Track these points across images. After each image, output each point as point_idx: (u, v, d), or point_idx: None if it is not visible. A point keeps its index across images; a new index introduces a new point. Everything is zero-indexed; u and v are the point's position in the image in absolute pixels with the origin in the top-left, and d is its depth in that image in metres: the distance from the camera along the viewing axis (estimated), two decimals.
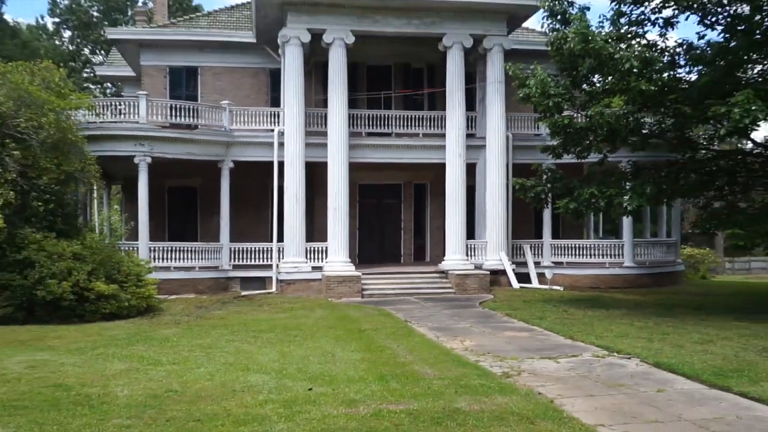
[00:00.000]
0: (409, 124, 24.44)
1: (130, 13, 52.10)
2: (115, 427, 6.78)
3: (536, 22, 24.66)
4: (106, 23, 52.58)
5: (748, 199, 20.76)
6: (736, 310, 17.76)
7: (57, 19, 58.27)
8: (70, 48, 57.04)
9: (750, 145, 20.74)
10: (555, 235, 24.78)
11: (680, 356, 10.66)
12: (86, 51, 57.25)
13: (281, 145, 22.55)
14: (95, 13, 57.01)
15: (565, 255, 24.48)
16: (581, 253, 24.53)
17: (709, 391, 8.53)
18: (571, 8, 18.24)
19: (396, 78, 26.58)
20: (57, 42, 56.45)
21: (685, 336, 12.89)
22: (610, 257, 24.39)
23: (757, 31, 17.46)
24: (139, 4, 52.63)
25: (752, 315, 16.43)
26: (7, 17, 51.76)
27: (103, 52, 52.16)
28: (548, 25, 18.74)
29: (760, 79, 17.72)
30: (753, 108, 14.41)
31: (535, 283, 23.57)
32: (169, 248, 21.85)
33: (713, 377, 9.10)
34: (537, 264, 24.20)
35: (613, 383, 8.91)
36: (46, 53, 42.41)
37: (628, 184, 18.91)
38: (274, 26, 23.19)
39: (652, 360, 10.40)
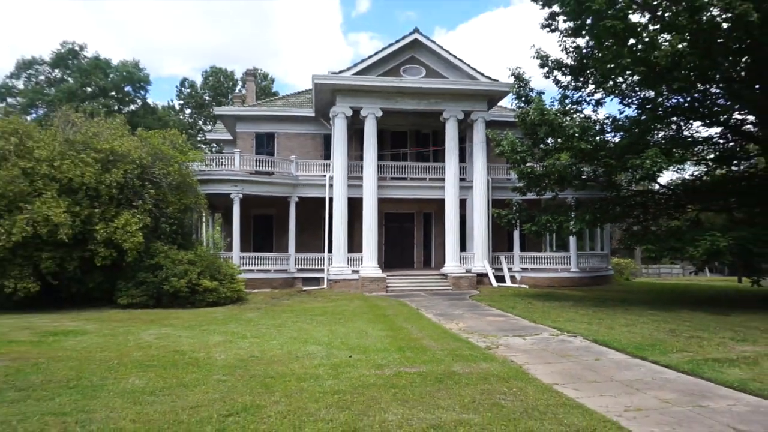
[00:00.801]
0: (420, 171, 24.46)
1: (230, 97, 53.00)
2: (215, 381, 6.76)
3: (508, 102, 24.69)
4: (214, 104, 53.59)
5: (657, 224, 20.62)
6: (650, 302, 17.42)
7: (181, 102, 59.53)
8: (189, 120, 58.13)
9: (657, 186, 20.54)
10: (522, 249, 24.49)
11: (612, 335, 10.45)
12: (200, 122, 58.30)
13: (330, 186, 22.60)
14: (207, 97, 58.10)
15: (529, 263, 24.15)
16: (541, 261, 24.21)
17: (632, 360, 8.34)
18: (531, 93, 18.46)
19: (410, 140, 26.64)
20: (181, 116, 57.55)
21: (614, 320, 12.64)
22: (561, 264, 24.05)
23: (659, 109, 17.55)
24: (236, 91, 53.70)
25: (661, 306, 16.12)
26: (149, 100, 52.97)
27: (210, 123, 53.06)
28: (516, 104, 18.96)
29: (663, 141, 17.67)
30: (658, 160, 14.59)
31: (508, 283, 23.27)
32: (253, 257, 21.89)
33: (635, 350, 8.92)
34: (510, 269, 23.90)
35: (564, 354, 8.74)
36: (173, 124, 43.30)
37: (572, 213, 18.87)
38: (327, 105, 23.47)
39: (591, 338, 10.21)
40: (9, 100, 44.90)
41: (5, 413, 5.41)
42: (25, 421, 5.19)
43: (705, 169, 21.34)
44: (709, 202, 18.93)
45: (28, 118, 40.60)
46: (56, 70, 47.35)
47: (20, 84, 46.48)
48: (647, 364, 8.03)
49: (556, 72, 18.41)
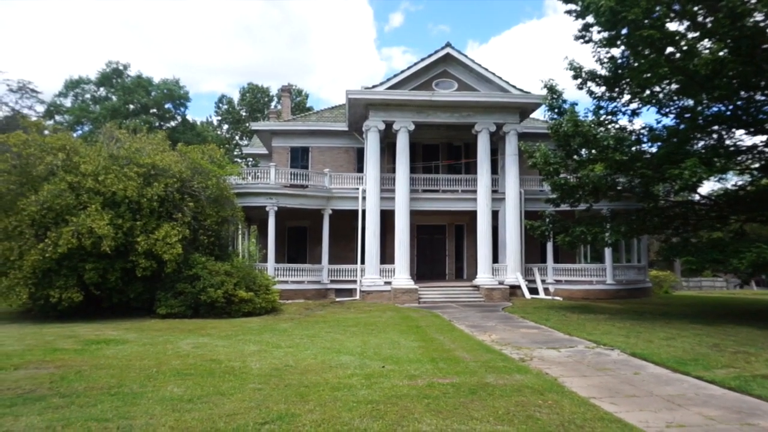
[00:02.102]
0: (452, 184, 24.37)
1: (266, 112, 54.02)
2: (251, 389, 6.81)
3: (540, 114, 24.46)
4: (251, 119, 54.68)
5: (697, 236, 19.93)
6: (691, 316, 16.81)
7: (219, 117, 60.96)
8: (227, 135, 59.41)
9: (697, 197, 19.91)
10: (555, 260, 24.06)
11: (650, 348, 10.11)
12: (236, 137, 59.53)
13: (364, 198, 22.73)
14: (243, 113, 59.35)
15: (563, 275, 23.69)
16: (575, 273, 23.72)
17: (674, 374, 8.04)
18: (564, 104, 18.19)
19: (442, 152, 26.59)
20: (218, 132, 58.88)
21: (653, 334, 12.23)
22: (596, 276, 23.48)
23: (699, 118, 17.00)
24: (272, 107, 54.71)
25: (704, 320, 15.53)
26: (188, 116, 54.45)
27: (247, 137, 54.17)
28: (548, 115, 18.72)
29: (702, 151, 17.12)
30: (698, 170, 14.09)
31: (542, 295, 22.86)
32: (288, 268, 22.09)
33: (676, 364, 8.59)
34: (543, 281, 23.49)
35: (601, 367, 8.49)
36: (211, 139, 44.25)
37: (607, 224, 18.42)
38: (360, 119, 23.68)
39: (629, 351, 9.90)
40: (57, 117, 46.79)
41: (50, 419, 5.57)
42: (68, 427, 5.32)
43: (749, 179, 20.56)
44: (754, 212, 18.19)
45: (75, 134, 42.23)
46: (101, 89, 49.21)
47: (68, 102, 48.46)
48: (689, 379, 7.72)
49: (589, 83, 18.10)
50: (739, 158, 18.53)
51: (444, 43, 23.02)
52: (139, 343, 10.85)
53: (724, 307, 20.98)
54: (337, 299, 22.04)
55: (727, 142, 18.03)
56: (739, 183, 22.20)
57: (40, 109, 43.41)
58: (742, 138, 17.85)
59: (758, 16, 13.28)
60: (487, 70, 22.79)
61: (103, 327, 13.72)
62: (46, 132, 19.85)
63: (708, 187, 36.95)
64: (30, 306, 16.84)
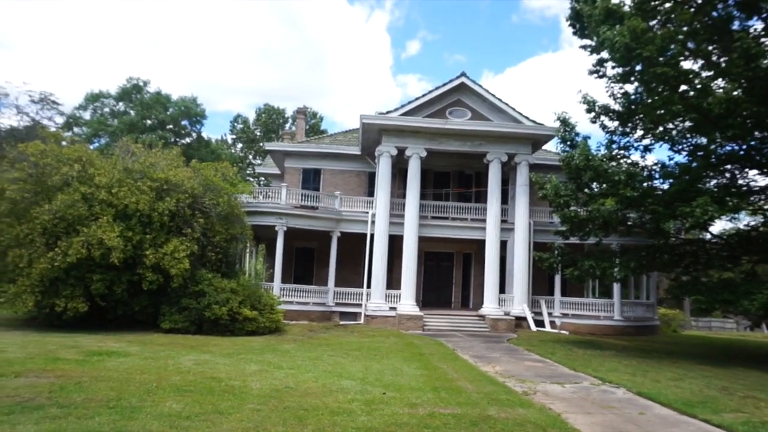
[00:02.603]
0: (461, 212, 24.38)
1: (280, 133, 54.60)
2: (250, 409, 6.75)
3: (552, 146, 24.50)
4: (265, 139, 55.28)
5: (707, 275, 19.64)
6: (700, 357, 16.49)
7: (234, 136, 61.75)
8: (240, 154, 60.02)
9: (708, 236, 19.71)
10: (563, 294, 23.81)
11: (657, 388, 9.90)
12: (250, 156, 60.11)
13: (373, 222, 22.76)
14: (258, 133, 60.04)
15: (570, 308, 23.41)
16: (582, 307, 23.44)
17: (680, 416, 7.86)
18: (577, 137, 18.23)
19: (453, 180, 26.65)
20: (232, 150, 59.50)
21: (660, 373, 12.00)
22: (604, 312, 23.18)
23: (712, 156, 16.94)
24: (286, 128, 55.34)
25: (713, 361, 15.22)
26: (204, 134, 55.16)
27: (260, 157, 54.70)
28: (560, 148, 18.77)
29: (714, 189, 17.01)
30: (710, 209, 13.96)
31: (548, 328, 22.57)
32: (293, 288, 22.05)
33: (683, 406, 8.39)
34: (549, 314, 23.22)
35: (606, 405, 8.32)
36: (225, 157, 44.68)
37: (617, 259, 18.26)
38: (373, 144, 23.87)
39: (635, 390, 9.70)
40: (76, 129, 47.54)
41: (47, 429, 5.54)
42: None
43: (762, 219, 20.36)
44: (766, 253, 17.98)
45: (92, 146, 42.84)
46: (120, 103, 50.07)
47: (87, 115, 49.30)
48: (696, 422, 7.54)
49: (602, 117, 18.16)
50: (752, 198, 18.37)
51: (459, 73, 23.27)
52: (140, 356, 10.81)
53: (733, 349, 20.58)
54: (342, 322, 21.90)
55: (740, 181, 17.92)
56: (752, 223, 21.98)
57: (60, 120, 43.92)
58: (755, 178, 17.72)
59: None
60: (500, 100, 22.98)
61: (106, 339, 13.71)
62: (64, 143, 20.13)
63: (720, 226, 36.55)
64: (35, 314, 16.87)
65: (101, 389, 7.49)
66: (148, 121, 48.24)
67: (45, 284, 15.06)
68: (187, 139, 51.72)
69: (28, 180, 16.04)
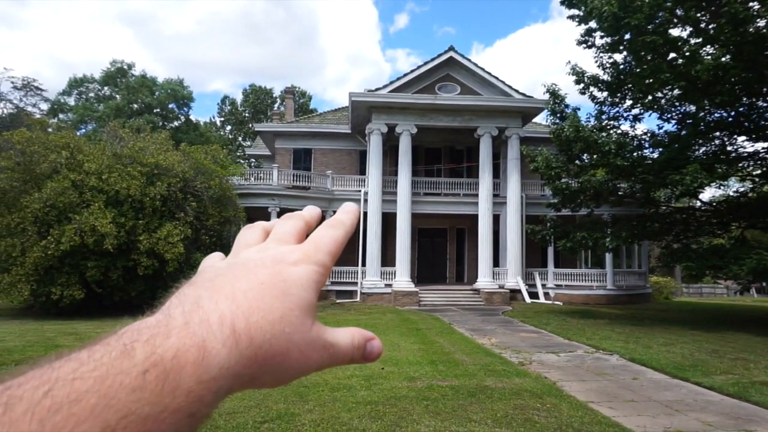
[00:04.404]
0: (453, 187, 24.42)
1: (269, 113, 54.11)
2: None
3: (542, 119, 24.47)
4: (254, 120, 54.79)
5: (698, 242, 19.89)
6: (691, 322, 16.79)
7: (222, 119, 61.11)
8: (230, 136, 59.49)
9: (698, 203, 19.91)
10: (556, 265, 24.04)
11: (650, 354, 10.10)
12: (240, 138, 59.61)
13: (365, 201, 22.75)
14: (246, 114, 59.45)
15: (563, 279, 23.69)
16: (575, 278, 23.73)
17: (672, 380, 8.04)
18: (566, 109, 18.20)
19: (444, 156, 26.63)
20: (221, 133, 58.97)
21: (653, 339, 12.22)
22: (597, 281, 23.49)
23: (701, 124, 17.00)
24: (275, 109, 54.80)
25: (703, 326, 15.50)
26: (192, 117, 54.57)
27: (250, 139, 54.26)
28: (551, 120, 18.73)
29: (704, 157, 17.13)
30: (699, 176, 14.08)
31: (542, 299, 22.84)
32: None
33: (675, 370, 8.58)
34: (543, 285, 23.48)
35: (600, 372, 8.49)
36: (214, 140, 44.36)
37: (608, 229, 18.43)
38: (363, 122, 23.72)
39: (628, 356, 9.89)
40: (61, 116, 46.90)
41: None
42: None
43: (751, 186, 20.56)
44: (755, 219, 18.19)
45: (78, 133, 42.33)
46: (105, 88, 49.34)
47: (71, 101, 48.60)
48: (688, 385, 7.72)
49: (592, 88, 18.14)
50: (741, 165, 18.55)
51: (447, 47, 23.04)
52: None
53: (723, 314, 20.95)
54: (338, 301, 22.04)
55: (729, 148, 18.05)
56: (741, 189, 22.20)
57: (44, 107, 43.52)
58: (744, 144, 17.85)
59: (761, 23, 13.31)
60: (489, 74, 22.85)
61: (103, 324, 13.73)
62: (50, 130, 19.92)
63: (709, 193, 36.97)
64: (31, 303, 16.89)
65: None
66: (135, 106, 47.61)
67: (40, 273, 15.03)
68: (176, 123, 51.13)
69: (15, 168, 15.88)
